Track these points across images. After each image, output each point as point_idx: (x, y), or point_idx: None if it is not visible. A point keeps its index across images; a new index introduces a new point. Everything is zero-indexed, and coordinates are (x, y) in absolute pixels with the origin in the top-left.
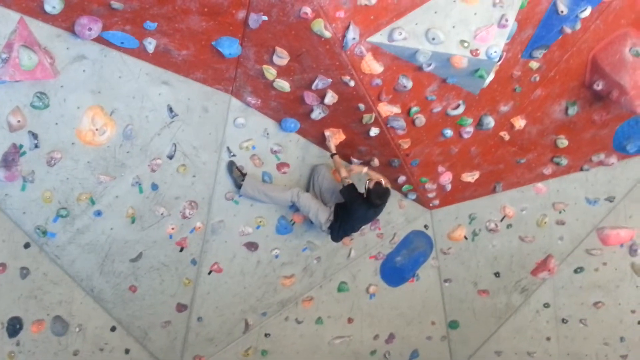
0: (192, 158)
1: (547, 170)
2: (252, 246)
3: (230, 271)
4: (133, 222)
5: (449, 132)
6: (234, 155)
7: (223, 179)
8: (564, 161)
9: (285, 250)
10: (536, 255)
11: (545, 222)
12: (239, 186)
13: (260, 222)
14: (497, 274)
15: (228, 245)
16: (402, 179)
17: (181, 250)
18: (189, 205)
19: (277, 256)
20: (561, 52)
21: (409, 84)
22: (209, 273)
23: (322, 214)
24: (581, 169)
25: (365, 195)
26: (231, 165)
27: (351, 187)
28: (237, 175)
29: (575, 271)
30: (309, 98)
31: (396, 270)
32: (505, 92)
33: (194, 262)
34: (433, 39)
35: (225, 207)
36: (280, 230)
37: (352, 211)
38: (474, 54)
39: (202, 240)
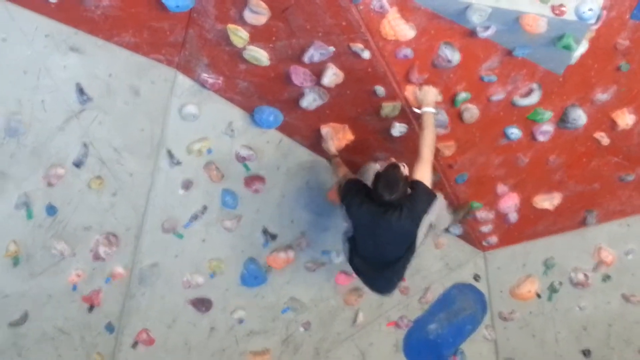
0: (113, 166)
1: None
2: (203, 304)
3: (167, 343)
4: (16, 264)
5: (515, 132)
6: (178, 163)
7: (160, 198)
8: None
9: (256, 311)
10: None
11: None
12: None
13: (216, 266)
14: (586, 353)
15: (165, 303)
16: None
17: (91, 309)
18: (105, 239)
19: (242, 321)
20: None
21: (454, 56)
22: (134, 346)
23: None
24: None
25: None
26: None
27: (351, 183)
28: None
29: None
30: (299, 76)
31: (429, 344)
32: (605, 72)
33: (110, 328)
34: None
35: (162, 244)
36: (248, 281)
37: (353, 221)
38: (557, 12)
39: (123, 295)
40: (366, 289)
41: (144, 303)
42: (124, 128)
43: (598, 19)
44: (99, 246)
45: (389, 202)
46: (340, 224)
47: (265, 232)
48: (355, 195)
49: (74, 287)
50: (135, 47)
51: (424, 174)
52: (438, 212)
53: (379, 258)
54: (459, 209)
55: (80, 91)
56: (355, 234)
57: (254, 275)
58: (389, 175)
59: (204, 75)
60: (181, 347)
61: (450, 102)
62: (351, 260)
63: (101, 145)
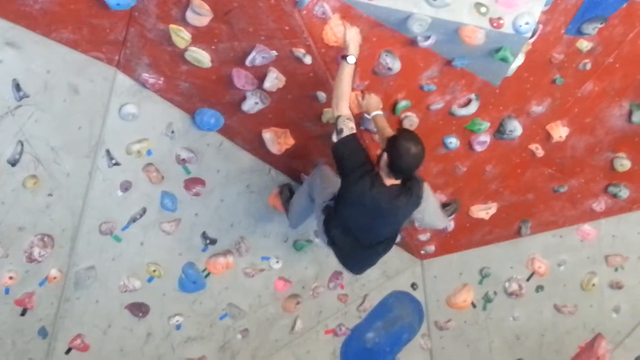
0: (49, 166)
1: (599, 205)
2: (139, 309)
3: (102, 350)
4: None
5: (453, 142)
6: (116, 164)
7: (98, 199)
8: (625, 192)
9: (193, 317)
10: (579, 335)
11: (593, 285)
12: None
13: (154, 271)
14: None
15: (100, 307)
16: None
17: (23, 313)
18: (39, 241)
19: (179, 326)
20: (625, 27)
21: (395, 65)
22: (67, 352)
23: (332, 189)
24: None
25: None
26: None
27: (353, 140)
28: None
29: None
30: (241, 79)
31: (366, 352)
32: (540, 85)
33: (43, 332)
34: None
35: (98, 247)
36: (186, 286)
37: (344, 188)
38: (495, 24)
39: (58, 299)
40: (305, 296)
41: (79, 307)
42: (62, 126)
43: (534, 32)
44: (33, 247)
45: (414, 168)
46: (278, 229)
47: (204, 236)
48: (364, 175)
49: (7, 290)
50: (74, 44)
51: None
52: (434, 209)
53: (368, 236)
54: (448, 205)
55: (17, 87)
56: (345, 209)
57: (192, 280)
58: (414, 139)
59: (145, 75)
60: (116, 354)
61: (390, 109)
62: (328, 231)
63: (37, 143)
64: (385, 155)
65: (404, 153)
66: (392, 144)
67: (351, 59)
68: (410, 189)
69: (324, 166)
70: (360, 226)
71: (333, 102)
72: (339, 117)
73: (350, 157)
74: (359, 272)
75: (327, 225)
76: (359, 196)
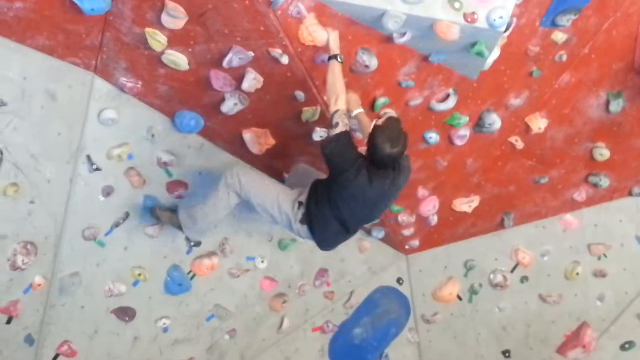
0: (30, 173)
1: (580, 194)
2: (125, 314)
3: (89, 355)
4: None
5: (433, 137)
6: (97, 169)
7: (80, 205)
8: (605, 181)
9: (180, 319)
10: (564, 324)
11: (577, 274)
12: (179, 227)
13: (139, 275)
14: (506, 354)
15: (86, 313)
16: None
17: (9, 321)
18: (22, 248)
19: (166, 329)
20: (599, 18)
21: (372, 62)
22: (55, 358)
23: (286, 198)
24: (630, 194)
25: (367, 152)
26: (153, 212)
27: (345, 137)
28: (168, 218)
29: (623, 347)
30: (219, 81)
31: (354, 348)
32: (517, 78)
33: (29, 340)
34: None
35: (82, 252)
36: (172, 288)
37: (339, 184)
38: (469, 19)
39: (43, 306)
40: (291, 295)
41: (64, 314)
42: (41, 133)
43: (509, 26)
44: (16, 256)
45: (393, 163)
46: (262, 229)
47: (188, 238)
48: (360, 169)
49: None
50: (50, 50)
51: None
52: None
53: (362, 223)
54: None
55: None
56: (342, 203)
57: (177, 282)
58: (390, 138)
59: (123, 79)
60: (104, 358)
61: (369, 107)
62: (310, 225)
63: (17, 150)
64: (366, 152)
65: (379, 152)
66: (370, 143)
67: (340, 57)
68: (399, 167)
69: (241, 170)
70: (356, 216)
71: (331, 99)
72: (336, 111)
73: (344, 153)
74: (332, 249)
75: (309, 219)
76: (359, 192)
